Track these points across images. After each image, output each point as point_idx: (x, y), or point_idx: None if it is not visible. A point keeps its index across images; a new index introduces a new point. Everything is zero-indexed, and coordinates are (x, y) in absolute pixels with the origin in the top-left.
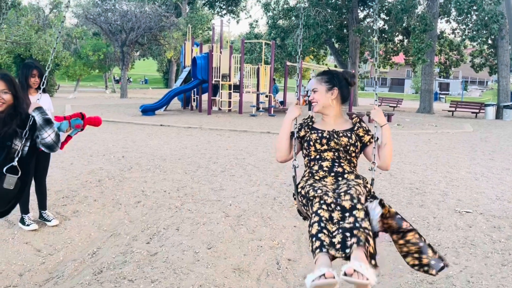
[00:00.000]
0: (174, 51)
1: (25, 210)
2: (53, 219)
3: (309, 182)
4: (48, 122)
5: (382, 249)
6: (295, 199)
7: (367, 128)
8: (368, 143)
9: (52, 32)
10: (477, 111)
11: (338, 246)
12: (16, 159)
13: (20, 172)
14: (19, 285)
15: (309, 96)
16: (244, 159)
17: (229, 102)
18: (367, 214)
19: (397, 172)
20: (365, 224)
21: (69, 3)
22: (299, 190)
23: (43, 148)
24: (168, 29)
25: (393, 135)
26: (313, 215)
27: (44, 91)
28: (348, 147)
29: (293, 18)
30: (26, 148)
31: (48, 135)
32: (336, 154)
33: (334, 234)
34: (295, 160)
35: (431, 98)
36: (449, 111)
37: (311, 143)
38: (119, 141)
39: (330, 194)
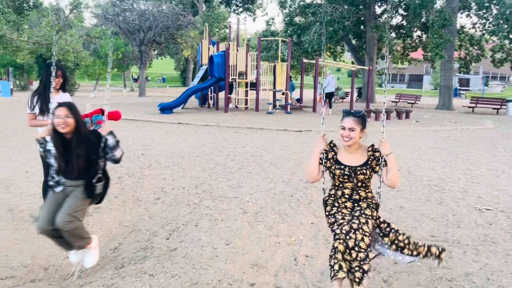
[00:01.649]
0: (191, 50)
1: None
2: None
3: (333, 210)
4: (118, 142)
5: None
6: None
7: (378, 157)
8: (378, 170)
9: (73, 33)
10: (499, 107)
11: (346, 270)
12: (100, 171)
13: (104, 179)
14: (45, 278)
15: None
16: (261, 157)
17: (246, 100)
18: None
19: (416, 169)
20: (366, 266)
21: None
22: (326, 213)
23: (110, 162)
24: (185, 28)
25: (411, 132)
26: (332, 249)
27: (64, 90)
28: (364, 180)
29: (310, 15)
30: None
31: (118, 153)
32: (355, 184)
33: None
34: (323, 183)
35: (450, 94)
36: (469, 107)
37: (336, 176)
38: (138, 139)
39: (345, 228)
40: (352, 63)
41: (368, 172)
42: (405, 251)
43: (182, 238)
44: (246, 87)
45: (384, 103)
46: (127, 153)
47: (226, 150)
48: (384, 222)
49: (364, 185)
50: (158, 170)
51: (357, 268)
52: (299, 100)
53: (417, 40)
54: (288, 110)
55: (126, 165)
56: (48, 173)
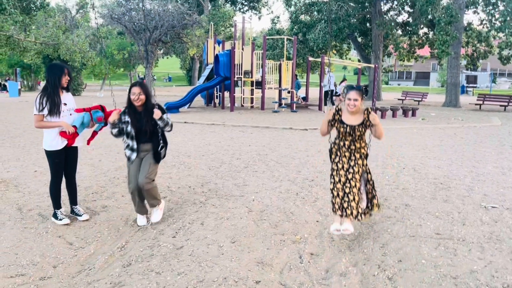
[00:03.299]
0: (196, 49)
1: (57, 205)
2: (83, 214)
3: (337, 158)
4: (167, 123)
5: (405, 244)
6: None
7: (371, 119)
8: (370, 129)
9: (79, 33)
10: (506, 104)
11: (340, 208)
12: (161, 141)
13: (164, 144)
14: (54, 276)
15: (330, 91)
16: (267, 155)
17: (251, 99)
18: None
19: (421, 167)
20: (354, 204)
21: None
22: (331, 160)
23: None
24: (190, 27)
25: (418, 130)
26: (331, 191)
27: (67, 90)
28: (360, 135)
29: (315, 13)
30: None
31: (167, 129)
32: (353, 138)
33: (340, 201)
34: (330, 137)
35: (457, 91)
36: (476, 104)
37: (339, 132)
38: None
39: (342, 179)
40: (359, 60)
41: (363, 129)
42: (369, 196)
43: (188, 237)
44: (252, 85)
45: (374, 101)
46: None
47: (232, 149)
48: (368, 169)
49: (360, 138)
50: (164, 169)
51: (348, 211)
52: (304, 99)
53: (423, 37)
54: (294, 108)
55: None
56: (56, 175)
